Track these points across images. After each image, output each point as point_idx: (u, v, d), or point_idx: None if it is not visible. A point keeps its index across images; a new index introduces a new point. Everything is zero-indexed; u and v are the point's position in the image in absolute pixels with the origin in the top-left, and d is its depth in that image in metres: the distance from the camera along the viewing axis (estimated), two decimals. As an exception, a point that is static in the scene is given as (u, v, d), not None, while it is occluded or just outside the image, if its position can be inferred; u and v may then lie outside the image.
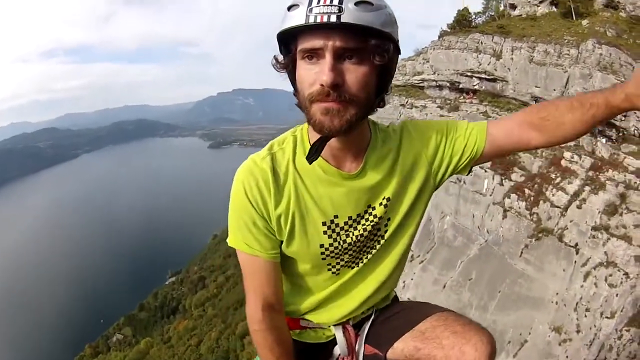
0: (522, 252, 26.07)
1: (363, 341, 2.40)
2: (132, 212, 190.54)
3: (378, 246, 2.21)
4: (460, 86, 37.33)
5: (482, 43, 36.34)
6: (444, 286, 29.06)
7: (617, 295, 21.32)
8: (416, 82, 41.38)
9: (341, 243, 2.12)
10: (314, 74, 1.70)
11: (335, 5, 1.61)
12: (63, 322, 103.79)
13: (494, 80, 34.88)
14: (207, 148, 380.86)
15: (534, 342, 23.34)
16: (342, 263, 2.21)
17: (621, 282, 21.45)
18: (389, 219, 2.16)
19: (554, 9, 37.01)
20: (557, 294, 23.53)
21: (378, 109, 1.95)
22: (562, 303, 23.09)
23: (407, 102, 40.08)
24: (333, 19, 1.60)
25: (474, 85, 36.30)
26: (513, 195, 27.92)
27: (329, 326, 2.43)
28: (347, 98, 1.71)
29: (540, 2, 38.43)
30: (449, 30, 41.94)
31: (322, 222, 2.07)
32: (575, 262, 23.58)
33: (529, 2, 39.27)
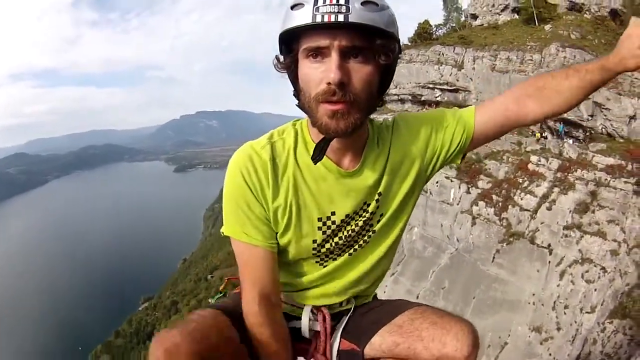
0: (494, 258, 26.22)
1: (339, 334, 2.33)
2: (102, 238, 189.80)
3: (367, 239, 2.19)
4: (422, 98, 37.87)
5: (443, 54, 36.83)
6: (417, 297, 29.02)
7: (595, 290, 21.53)
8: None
9: (333, 238, 2.12)
10: (320, 73, 1.70)
11: (342, 5, 1.61)
12: (40, 351, 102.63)
13: (456, 90, 35.44)
14: (172, 172, 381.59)
15: (515, 343, 23.38)
16: (330, 256, 2.20)
17: (599, 277, 21.70)
18: (381, 214, 2.16)
19: (516, 16, 37.80)
20: (533, 294, 23.68)
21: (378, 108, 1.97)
22: (540, 303, 23.23)
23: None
24: (340, 18, 1.61)
25: (436, 97, 36.86)
26: (481, 203, 28.15)
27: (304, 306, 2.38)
28: (352, 98, 1.71)
29: (502, 11, 39.17)
30: (409, 44, 42.32)
31: (318, 218, 2.07)
32: (549, 262, 23.80)
33: (490, 11, 40.03)
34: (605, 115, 27.05)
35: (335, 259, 2.21)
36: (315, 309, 2.34)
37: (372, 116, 1.93)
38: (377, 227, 2.17)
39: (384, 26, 1.67)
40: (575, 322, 21.56)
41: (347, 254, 2.22)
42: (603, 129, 27.37)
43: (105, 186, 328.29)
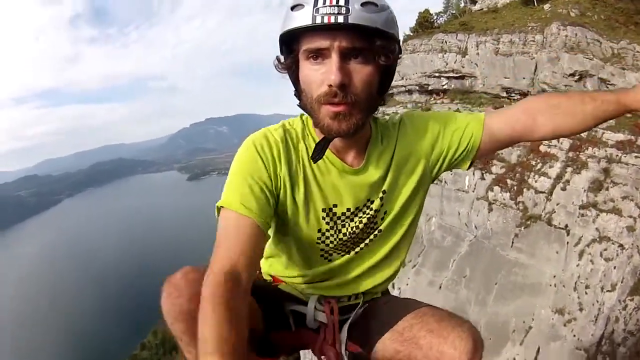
0: (512, 242, 26.06)
1: (346, 328, 2.33)
2: (119, 253, 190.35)
3: (372, 237, 2.25)
4: (430, 88, 37.47)
5: (446, 42, 36.60)
6: (440, 287, 28.96)
7: (614, 267, 21.37)
8: (385, 90, 41.04)
9: (337, 232, 2.17)
10: (321, 74, 1.74)
11: (342, 6, 1.63)
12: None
13: (462, 77, 35.11)
14: (186, 181, 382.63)
15: (539, 327, 23.22)
16: (336, 250, 2.24)
17: (617, 255, 21.53)
18: (385, 212, 2.20)
19: (515, -2, 37.27)
20: (554, 276, 23.54)
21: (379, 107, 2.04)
22: (561, 285, 23.09)
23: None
24: (340, 19, 1.63)
25: (442, 85, 36.50)
26: (496, 188, 27.94)
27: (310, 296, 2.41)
28: (353, 99, 1.74)
29: (500, -7, 38.75)
30: (412, 34, 42.09)
31: (322, 209, 2.11)
32: (567, 243, 23.66)
33: (489, -6, 39.58)
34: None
35: (341, 255, 2.27)
36: (323, 299, 2.38)
37: (380, 109, 1.98)
38: (382, 226, 2.24)
39: (383, 27, 1.71)
40: (597, 301, 21.39)
41: (354, 251, 2.28)
42: (610, 105, 27.00)
43: (118, 201, 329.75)
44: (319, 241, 2.17)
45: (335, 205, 2.11)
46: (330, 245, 2.21)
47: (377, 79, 1.85)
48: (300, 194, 2.05)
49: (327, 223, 2.13)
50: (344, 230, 2.17)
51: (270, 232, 2.33)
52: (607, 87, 26.83)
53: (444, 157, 2.19)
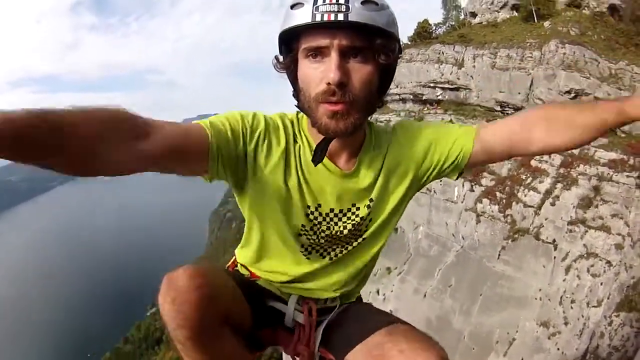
0: (499, 254, 26.23)
1: (321, 332, 2.25)
2: (107, 245, 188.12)
3: (355, 243, 2.21)
4: (424, 98, 37.68)
5: (443, 53, 36.78)
6: (425, 295, 29.05)
7: (601, 284, 21.60)
8: (379, 97, 41.03)
9: (319, 232, 2.12)
10: (320, 73, 1.71)
11: (342, 4, 1.62)
12: (50, 358, 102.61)
13: (457, 89, 35.31)
14: (175, 176, 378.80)
15: (523, 339, 23.39)
16: (315, 249, 2.20)
17: (604, 271, 21.78)
18: (370, 220, 2.15)
19: (515, 13, 37.77)
20: (540, 290, 23.71)
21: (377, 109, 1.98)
22: (547, 298, 23.26)
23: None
24: (340, 17, 1.62)
25: (437, 96, 36.66)
26: (485, 200, 28.14)
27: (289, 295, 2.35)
28: (352, 98, 1.71)
29: (501, 8, 39.01)
30: (409, 43, 42.16)
31: (307, 205, 2.06)
32: (554, 257, 23.85)
33: (489, 9, 39.84)
34: (606, 110, 26.97)
35: (321, 256, 2.23)
36: (302, 300, 2.32)
37: (374, 116, 1.99)
38: (366, 234, 2.19)
39: (384, 26, 1.69)
40: (583, 316, 21.61)
41: (334, 253, 2.23)
42: (606, 124, 27.18)
43: (110, 191, 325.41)
44: (301, 233, 2.11)
45: (319, 205, 2.06)
46: (311, 241, 2.15)
47: (376, 78, 1.80)
48: (292, 182, 1.99)
49: (311, 220, 2.07)
50: (327, 231, 2.11)
51: (246, 212, 2.19)
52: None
53: (434, 168, 2.12)
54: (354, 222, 2.10)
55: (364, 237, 2.18)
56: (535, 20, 34.77)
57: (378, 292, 30.27)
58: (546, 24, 33.87)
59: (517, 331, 23.81)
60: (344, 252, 2.22)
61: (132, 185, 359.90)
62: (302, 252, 2.17)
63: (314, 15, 1.62)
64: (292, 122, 2.04)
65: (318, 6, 1.62)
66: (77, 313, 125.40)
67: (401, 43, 1.88)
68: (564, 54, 29.03)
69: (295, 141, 2.01)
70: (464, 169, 2.13)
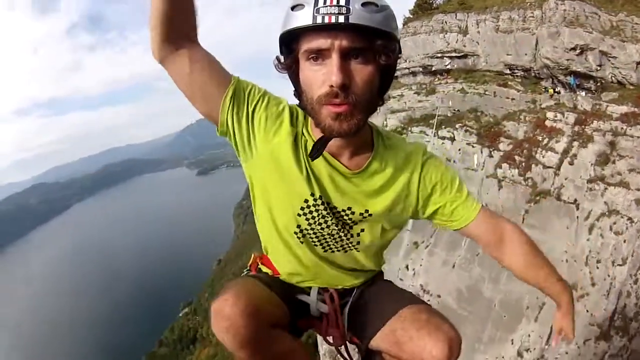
0: (523, 219, 25.99)
1: (346, 315, 2.48)
2: (133, 253, 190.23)
3: (347, 242, 2.29)
4: (433, 69, 37.39)
5: (446, 22, 36.48)
6: (453, 266, 28.95)
7: (624, 241, 21.44)
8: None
9: (316, 218, 2.17)
10: (322, 75, 1.73)
11: (342, 6, 1.63)
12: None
13: (465, 56, 35.07)
14: (195, 176, 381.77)
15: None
16: (311, 235, 2.25)
17: (627, 228, 21.61)
18: (362, 230, 2.25)
19: (512, -28, 37.09)
20: (565, 252, 23.53)
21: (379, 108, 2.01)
22: (573, 260, 23.10)
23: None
24: (341, 19, 1.63)
25: (446, 66, 36.42)
26: (504, 165, 27.89)
27: (309, 288, 2.51)
28: (354, 99, 1.74)
29: (498, -31, 38.57)
30: (412, 17, 41.90)
31: (311, 193, 2.10)
32: (577, 217, 23.67)
33: (487, -28, 39.38)
34: (612, 64, 26.82)
35: (315, 245, 2.30)
36: (322, 290, 2.48)
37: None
38: (358, 245, 2.31)
39: (384, 27, 1.70)
40: (609, 275, 21.49)
41: (329, 248, 2.31)
42: (613, 78, 27.07)
43: (129, 201, 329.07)
44: (300, 214, 2.17)
45: (321, 197, 2.11)
46: (308, 225, 2.21)
47: (377, 78, 1.84)
48: (301, 165, 2.06)
49: (310, 206, 2.14)
50: (322, 222, 2.19)
51: (253, 187, 2.33)
52: (609, 60, 26.82)
53: (429, 215, 2.33)
54: (346, 222, 2.19)
55: (356, 239, 2.29)
56: (531, -21, 34.18)
57: (407, 267, 30.19)
58: (542, -19, 33.30)
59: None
60: (339, 249, 2.31)
61: (149, 190, 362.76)
62: (296, 233, 2.24)
63: (314, 17, 1.65)
64: (305, 116, 2.10)
65: (319, 8, 1.65)
66: (111, 325, 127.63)
67: (401, 51, 1.91)
68: (565, 10, 28.67)
69: (303, 134, 2.08)
70: (445, 226, 2.37)
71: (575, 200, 23.99)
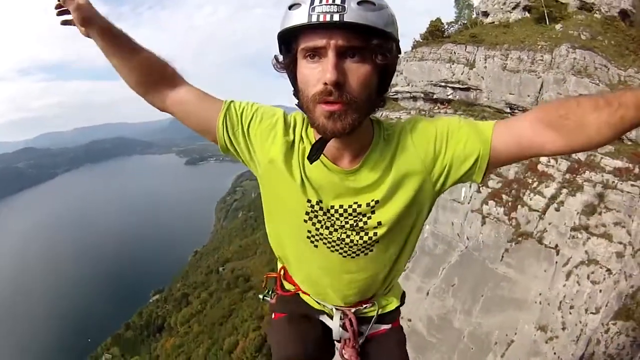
0: (502, 257, 26.21)
1: (362, 339, 2.59)
2: (112, 231, 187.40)
3: (361, 241, 2.19)
4: (435, 97, 37.40)
5: (455, 53, 36.53)
6: (428, 293, 29.11)
7: (600, 291, 21.66)
8: (390, 94, 40.26)
9: (322, 222, 2.15)
10: (317, 73, 1.73)
11: (337, 5, 1.64)
12: (50, 342, 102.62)
13: (468, 89, 35.11)
14: (184, 165, 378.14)
15: (521, 341, 23.42)
16: (323, 241, 2.21)
17: (604, 279, 21.82)
18: (379, 223, 2.12)
19: (527, 14, 37.44)
20: (540, 294, 23.71)
21: (379, 109, 1.98)
22: (546, 302, 23.28)
23: (381, 115, 38.88)
24: (336, 18, 1.63)
25: (447, 95, 36.42)
26: (491, 202, 28.07)
27: (329, 307, 2.56)
28: (349, 98, 1.73)
29: (513, 9, 38.65)
30: (421, 41, 41.97)
31: (308, 199, 2.10)
32: (556, 262, 23.87)
33: (502, 9, 39.46)
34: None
35: (331, 250, 2.24)
36: (343, 315, 2.53)
37: (384, 114, 2.03)
38: (374, 235, 2.16)
39: (380, 26, 1.70)
40: (580, 322, 21.66)
41: (345, 251, 2.23)
42: (611, 131, 27.19)
43: (116, 179, 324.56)
44: (306, 220, 2.16)
45: (320, 201, 2.09)
46: (317, 231, 2.18)
47: (374, 78, 1.82)
48: (295, 174, 2.07)
49: (313, 211, 2.12)
50: (329, 225, 2.14)
51: (263, 201, 2.35)
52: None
53: (448, 171, 2.05)
54: (355, 218, 2.10)
55: (375, 239, 2.16)
56: (547, 23, 34.60)
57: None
58: (557, 26, 33.71)
59: (515, 333, 23.84)
60: (354, 249, 2.21)
61: (136, 172, 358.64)
62: (308, 237, 2.22)
63: (310, 16, 1.66)
64: (303, 121, 2.12)
65: (314, 7, 1.66)
66: (80, 298, 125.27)
67: (400, 51, 1.90)
68: (575, 58, 29.02)
69: (301, 139, 2.08)
70: (485, 171, 2.03)
71: (557, 245, 24.15)
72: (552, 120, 1.81)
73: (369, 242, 2.18)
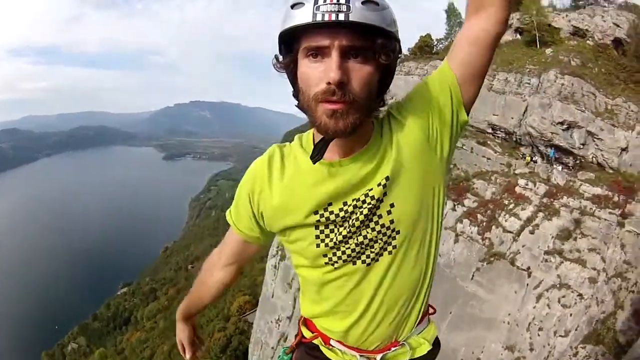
0: (473, 275, 26.29)
1: None
2: (86, 220, 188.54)
3: (384, 237, 2.01)
4: (418, 113, 37.61)
5: (441, 70, 36.73)
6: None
7: (570, 315, 21.80)
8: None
9: (337, 228, 2.01)
10: (320, 72, 1.69)
11: (343, 4, 1.62)
12: (17, 326, 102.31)
13: (452, 108, 35.29)
14: (161, 159, 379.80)
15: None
16: (342, 257, 2.04)
17: (575, 303, 21.99)
18: (392, 205, 1.97)
19: (518, 36, 37.75)
20: (509, 314, 23.83)
21: (380, 108, 1.97)
22: (515, 323, 23.41)
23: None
24: (341, 17, 1.61)
25: (431, 112, 36.67)
26: (465, 220, 28.16)
27: (350, 354, 2.24)
28: (351, 98, 1.69)
29: (504, 30, 38.99)
30: (409, 55, 42.16)
31: (314, 212, 1.98)
32: (527, 284, 24.00)
33: (493, 29, 39.77)
34: (597, 145, 27.46)
35: (353, 263, 2.05)
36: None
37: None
38: (391, 223, 2.00)
39: (384, 26, 1.69)
40: (549, 344, 21.78)
41: (367, 256, 2.04)
42: (594, 158, 27.76)
43: (94, 168, 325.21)
44: (321, 245, 2.03)
45: (330, 204, 1.98)
46: (335, 248, 2.02)
47: (377, 78, 1.80)
48: (290, 207, 2.02)
49: (325, 219, 1.99)
50: (345, 225, 1.98)
51: (289, 252, 2.29)
52: (594, 141, 27.37)
53: (439, 122, 2.02)
54: (369, 205, 1.95)
55: (389, 222, 1.99)
56: (538, 46, 34.90)
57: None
58: (548, 50, 34.05)
59: (482, 352, 23.93)
60: (375, 249, 2.03)
61: (115, 162, 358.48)
62: (327, 263, 2.07)
63: (314, 15, 1.64)
64: (301, 139, 2.09)
65: (319, 6, 1.63)
66: (49, 285, 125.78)
67: (401, 51, 1.88)
68: (562, 84, 29.31)
69: (295, 158, 2.04)
70: (465, 103, 2.04)
71: (529, 268, 24.28)
72: (477, 8, 1.95)
73: (387, 232, 1.99)
